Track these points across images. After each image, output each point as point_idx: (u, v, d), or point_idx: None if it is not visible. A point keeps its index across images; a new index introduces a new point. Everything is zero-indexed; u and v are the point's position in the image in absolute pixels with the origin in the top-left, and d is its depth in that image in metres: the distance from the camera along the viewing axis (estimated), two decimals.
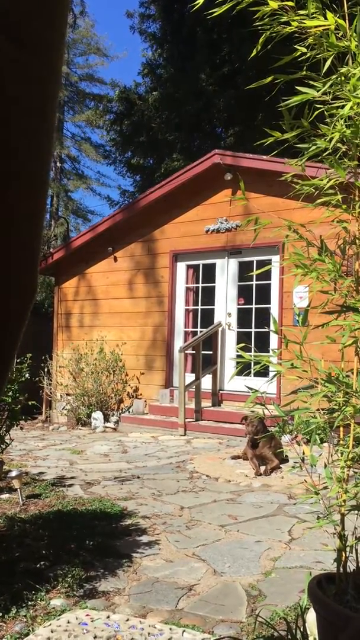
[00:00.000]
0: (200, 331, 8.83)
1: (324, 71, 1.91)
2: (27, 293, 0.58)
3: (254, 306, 8.66)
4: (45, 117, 0.55)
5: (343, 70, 1.88)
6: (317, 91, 1.93)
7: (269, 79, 2.04)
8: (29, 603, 2.67)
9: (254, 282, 8.62)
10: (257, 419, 5.41)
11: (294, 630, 2.03)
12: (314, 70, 1.98)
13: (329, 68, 1.90)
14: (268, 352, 7.32)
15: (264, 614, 2.54)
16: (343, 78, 1.88)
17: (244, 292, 8.89)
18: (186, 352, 8.08)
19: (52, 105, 0.56)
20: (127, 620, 2.48)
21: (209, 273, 9.25)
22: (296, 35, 1.97)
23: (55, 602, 2.69)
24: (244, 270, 8.70)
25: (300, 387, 1.96)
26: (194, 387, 8.10)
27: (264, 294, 8.55)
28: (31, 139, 0.54)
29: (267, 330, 8.09)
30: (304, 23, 1.88)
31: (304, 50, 2.00)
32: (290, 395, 1.92)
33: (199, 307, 9.46)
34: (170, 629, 2.41)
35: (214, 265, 9.14)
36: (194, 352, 8.44)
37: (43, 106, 0.54)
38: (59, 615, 2.55)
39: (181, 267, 9.55)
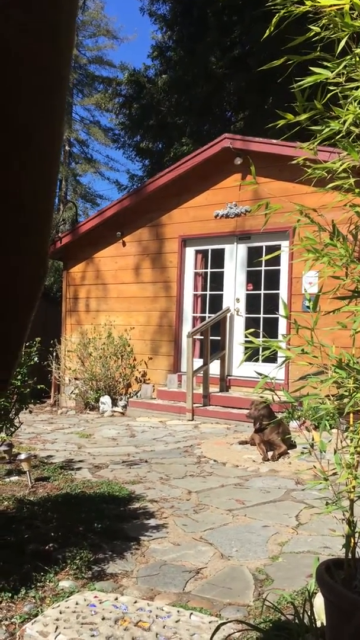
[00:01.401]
0: (209, 316, 8.81)
1: (338, 52, 1.88)
2: (37, 277, 0.56)
3: (262, 292, 8.63)
4: (58, 74, 0.52)
5: (357, 50, 1.84)
6: (331, 72, 1.90)
7: (282, 60, 2.00)
8: (38, 584, 2.70)
9: (263, 268, 8.58)
10: (262, 404, 5.41)
11: (301, 615, 2.04)
12: (328, 51, 1.94)
13: (343, 48, 1.87)
14: (276, 338, 7.30)
15: (271, 598, 2.56)
16: (357, 59, 1.85)
17: (252, 278, 8.86)
18: (194, 337, 8.08)
19: (64, 59, 0.53)
20: (135, 602, 2.51)
21: (218, 258, 9.21)
22: (310, 15, 1.93)
23: (63, 584, 2.71)
24: (253, 255, 8.65)
25: (310, 373, 1.96)
26: (202, 372, 8.10)
27: (273, 280, 8.52)
28: (43, 99, 0.51)
29: (275, 316, 8.07)
30: (318, 2, 1.84)
31: (318, 30, 1.96)
32: (299, 381, 1.91)
33: (208, 292, 9.43)
34: (178, 611, 2.43)
35: (222, 250, 9.10)
36: (202, 337, 8.44)
37: (55, 63, 0.52)
38: (68, 596, 2.58)
39: (190, 252, 9.51)
